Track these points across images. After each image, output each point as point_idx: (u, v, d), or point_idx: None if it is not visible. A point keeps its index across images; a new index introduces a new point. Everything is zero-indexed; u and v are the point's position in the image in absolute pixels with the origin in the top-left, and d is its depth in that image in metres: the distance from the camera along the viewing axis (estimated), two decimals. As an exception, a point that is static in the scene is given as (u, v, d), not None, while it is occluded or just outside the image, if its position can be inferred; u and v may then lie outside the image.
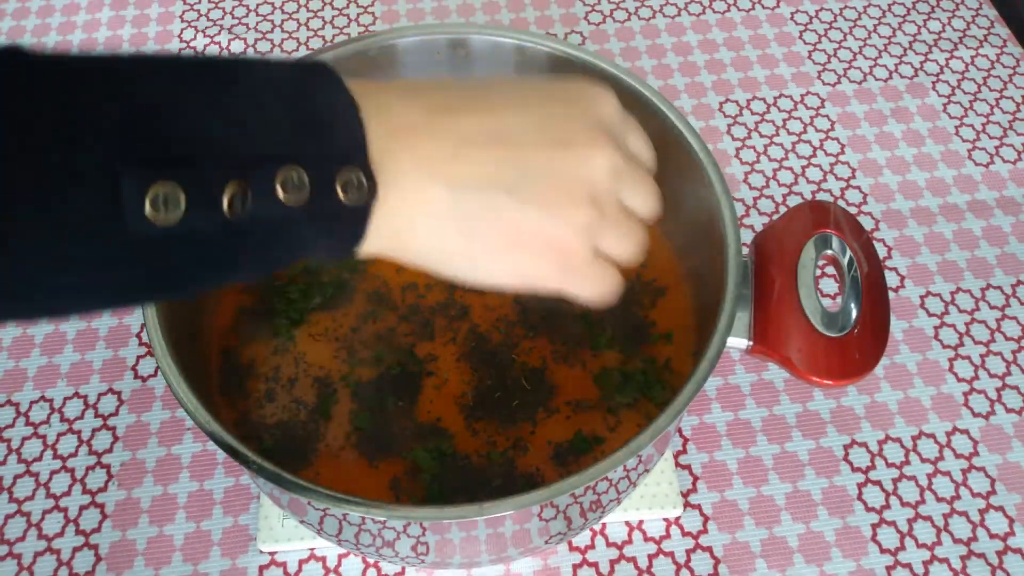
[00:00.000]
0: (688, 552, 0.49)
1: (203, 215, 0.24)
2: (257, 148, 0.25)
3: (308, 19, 0.75)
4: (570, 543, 0.49)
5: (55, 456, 0.53)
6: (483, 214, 0.29)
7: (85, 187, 0.22)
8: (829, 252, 0.42)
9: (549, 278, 0.31)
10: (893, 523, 0.50)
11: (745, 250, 0.42)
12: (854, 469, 0.52)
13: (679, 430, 0.53)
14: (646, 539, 0.50)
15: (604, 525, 0.50)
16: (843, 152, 0.66)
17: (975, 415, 0.54)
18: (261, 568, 0.49)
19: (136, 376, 0.56)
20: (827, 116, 0.68)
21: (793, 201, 0.63)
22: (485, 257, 0.30)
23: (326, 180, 0.26)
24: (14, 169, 0.21)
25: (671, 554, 0.49)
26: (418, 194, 0.28)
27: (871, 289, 0.41)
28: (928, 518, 0.50)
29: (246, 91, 0.26)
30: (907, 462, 0.52)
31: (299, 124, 0.26)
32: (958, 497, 0.51)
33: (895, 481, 0.51)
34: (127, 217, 0.23)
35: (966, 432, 0.53)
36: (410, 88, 0.30)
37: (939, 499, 0.51)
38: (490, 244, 0.29)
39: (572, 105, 0.31)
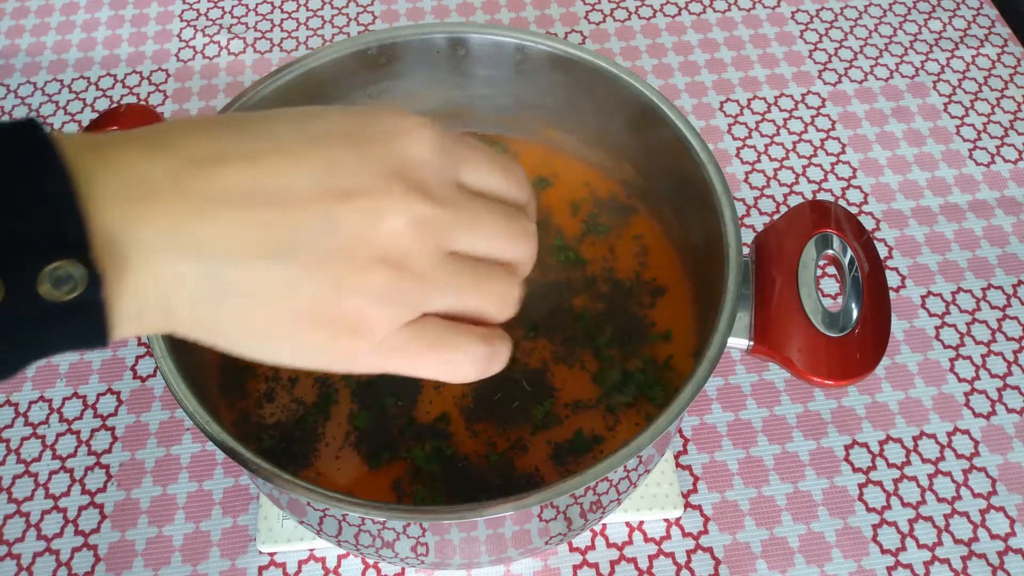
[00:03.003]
0: (689, 553, 0.49)
1: None
2: None
3: (307, 18, 0.75)
4: (570, 544, 0.49)
5: (54, 456, 0.53)
6: (249, 288, 0.24)
7: None
8: (830, 252, 0.42)
9: (358, 359, 0.26)
10: (894, 523, 0.50)
11: (746, 250, 0.42)
12: (855, 469, 0.52)
13: (680, 431, 0.53)
14: (646, 540, 0.50)
15: (604, 526, 0.50)
16: (844, 152, 0.66)
17: (976, 415, 0.54)
18: (260, 569, 0.49)
19: (135, 376, 0.56)
20: (828, 116, 0.68)
21: (794, 201, 0.63)
22: (265, 338, 0.25)
23: (24, 281, 0.21)
24: None
25: (671, 555, 0.49)
26: (167, 269, 0.24)
27: (872, 289, 0.41)
28: (929, 519, 0.50)
29: None
30: (908, 462, 0.52)
31: None
32: (959, 497, 0.51)
33: (896, 481, 0.51)
34: None
35: (967, 432, 0.53)
36: (159, 138, 0.25)
37: (940, 499, 0.51)
38: (266, 323, 0.25)
39: (366, 146, 0.26)
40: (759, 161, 0.65)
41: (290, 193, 0.24)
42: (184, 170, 0.24)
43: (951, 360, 0.56)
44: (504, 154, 0.31)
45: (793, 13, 0.74)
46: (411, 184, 0.26)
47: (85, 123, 0.68)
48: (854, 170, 0.65)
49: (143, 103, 0.70)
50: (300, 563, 0.49)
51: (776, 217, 0.53)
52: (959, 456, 0.52)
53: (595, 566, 0.49)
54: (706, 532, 0.50)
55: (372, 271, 0.25)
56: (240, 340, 0.25)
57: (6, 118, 0.69)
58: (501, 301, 0.28)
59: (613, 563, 0.49)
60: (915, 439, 0.53)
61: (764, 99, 0.69)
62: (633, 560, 0.49)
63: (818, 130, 0.67)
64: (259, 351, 0.26)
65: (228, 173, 0.24)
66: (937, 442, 0.53)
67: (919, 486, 0.51)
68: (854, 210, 0.63)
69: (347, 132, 0.26)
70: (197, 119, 0.26)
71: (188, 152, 0.24)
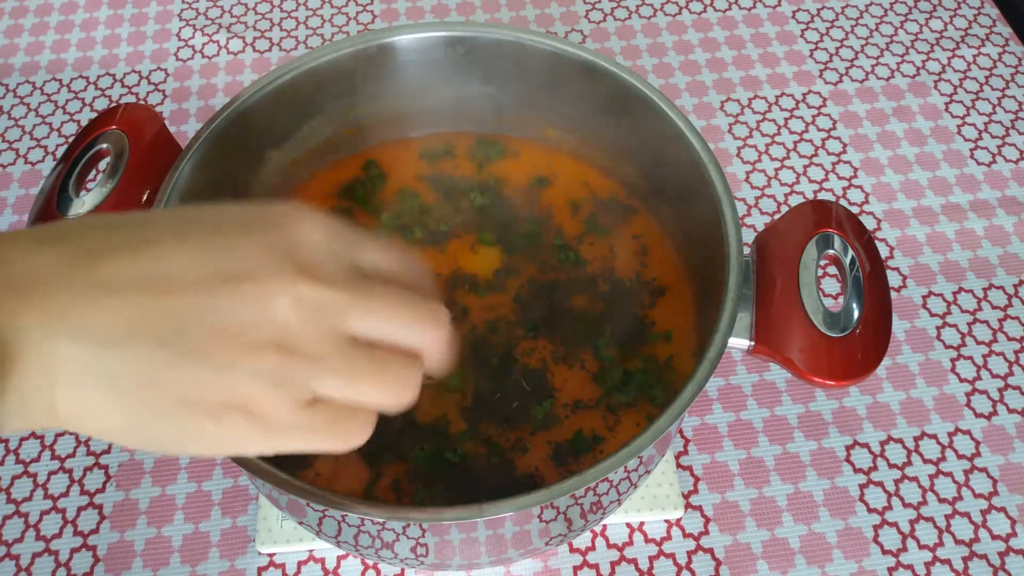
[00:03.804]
0: (689, 554, 0.49)
1: None
2: None
3: (307, 17, 0.75)
4: (570, 545, 0.49)
5: (53, 457, 0.53)
6: (133, 374, 0.24)
7: None
8: (831, 252, 0.42)
9: (248, 442, 0.26)
10: (895, 524, 0.50)
11: (746, 250, 0.42)
12: (856, 470, 0.52)
13: (680, 431, 0.53)
14: (647, 540, 0.49)
15: (605, 526, 0.50)
16: (845, 151, 0.65)
17: (977, 416, 0.54)
18: (260, 570, 0.49)
19: (134, 376, 0.56)
20: (829, 115, 0.67)
21: (795, 200, 0.63)
22: (153, 425, 0.25)
23: None
24: None
25: (672, 556, 0.49)
26: (49, 357, 0.23)
27: (873, 289, 0.41)
28: (930, 519, 0.50)
29: None
30: (909, 463, 0.52)
31: None
32: (960, 498, 0.51)
33: (897, 482, 0.51)
34: None
35: (968, 433, 0.53)
36: (49, 233, 0.25)
37: (941, 500, 0.51)
38: (153, 410, 0.25)
39: (256, 233, 0.26)
40: (760, 161, 0.65)
41: (175, 279, 0.25)
42: (76, 260, 0.24)
43: (952, 360, 0.56)
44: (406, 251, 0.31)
45: (794, 12, 0.74)
46: (301, 267, 0.26)
47: (84, 122, 0.67)
48: (855, 170, 0.64)
49: (142, 102, 0.69)
50: (299, 564, 0.49)
51: (777, 217, 0.53)
52: (960, 456, 0.52)
53: (595, 567, 0.49)
54: (707, 533, 0.50)
55: (259, 353, 0.25)
56: (127, 430, 0.25)
57: (5, 118, 0.69)
58: (397, 388, 0.27)
59: (613, 564, 0.49)
60: (916, 439, 0.53)
61: (765, 99, 0.69)
62: (633, 561, 0.49)
63: (819, 130, 0.67)
64: (147, 440, 0.26)
65: (117, 261, 0.24)
66: (938, 442, 0.53)
67: (920, 486, 0.51)
68: (855, 210, 0.63)
69: (240, 222, 0.26)
70: (103, 216, 0.27)
71: (83, 243, 0.25)
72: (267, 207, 0.27)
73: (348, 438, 0.27)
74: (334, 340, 0.26)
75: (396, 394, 0.27)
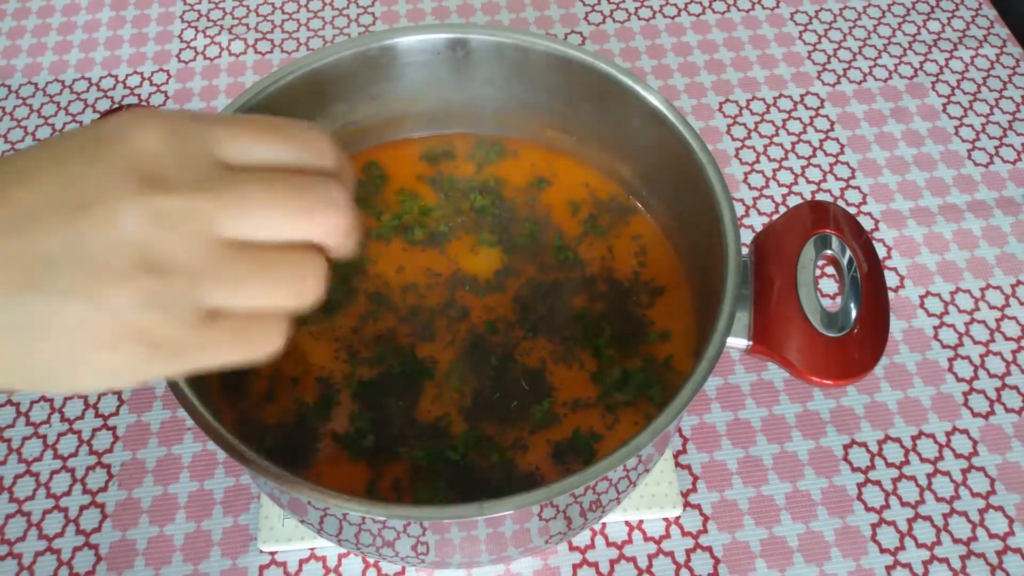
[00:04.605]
0: (688, 552, 0.49)
1: None
2: None
3: (308, 19, 0.75)
4: (570, 543, 0.50)
5: (55, 456, 0.53)
6: (18, 322, 0.23)
7: None
8: (829, 252, 0.42)
9: (153, 367, 0.25)
10: (893, 523, 0.50)
11: (745, 250, 0.42)
12: (854, 469, 0.52)
13: (679, 430, 0.53)
14: (646, 539, 0.50)
15: (604, 525, 0.50)
16: (843, 152, 0.66)
17: (975, 415, 0.54)
18: (261, 568, 0.49)
19: (136, 376, 0.56)
20: (827, 116, 0.68)
21: (793, 201, 0.63)
22: (52, 368, 0.24)
23: None
24: None
25: (671, 554, 0.49)
26: None
27: (871, 289, 0.41)
28: (928, 518, 0.50)
29: None
30: (907, 462, 0.52)
31: None
32: (958, 497, 0.51)
33: (895, 481, 0.51)
34: None
35: (966, 432, 0.53)
36: None
37: (939, 499, 0.51)
38: (48, 354, 0.24)
39: (95, 153, 0.24)
40: (758, 162, 0.65)
41: (31, 219, 0.23)
42: None
43: (950, 360, 0.56)
44: (297, 121, 0.28)
45: (792, 14, 0.74)
46: (145, 178, 0.24)
47: (86, 123, 0.68)
48: (853, 170, 0.65)
49: (144, 103, 0.70)
50: (301, 562, 0.49)
51: (775, 217, 0.53)
52: (958, 456, 0.52)
53: (595, 565, 0.49)
54: (705, 531, 0.50)
55: (128, 280, 0.23)
56: (28, 374, 0.24)
57: (8, 119, 0.69)
58: (294, 286, 0.26)
59: (613, 562, 0.49)
60: (914, 439, 0.53)
61: (763, 100, 0.69)
62: (633, 559, 0.49)
63: (817, 131, 0.67)
64: (56, 383, 0.25)
65: None
66: (936, 442, 0.53)
67: (918, 485, 0.51)
68: (853, 210, 0.63)
69: (79, 147, 0.25)
70: None
71: None
72: (103, 122, 0.25)
73: (259, 346, 0.26)
74: (208, 249, 0.24)
75: (295, 293, 0.26)
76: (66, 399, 0.55)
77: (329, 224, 0.26)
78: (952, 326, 0.57)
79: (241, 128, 0.26)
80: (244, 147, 0.26)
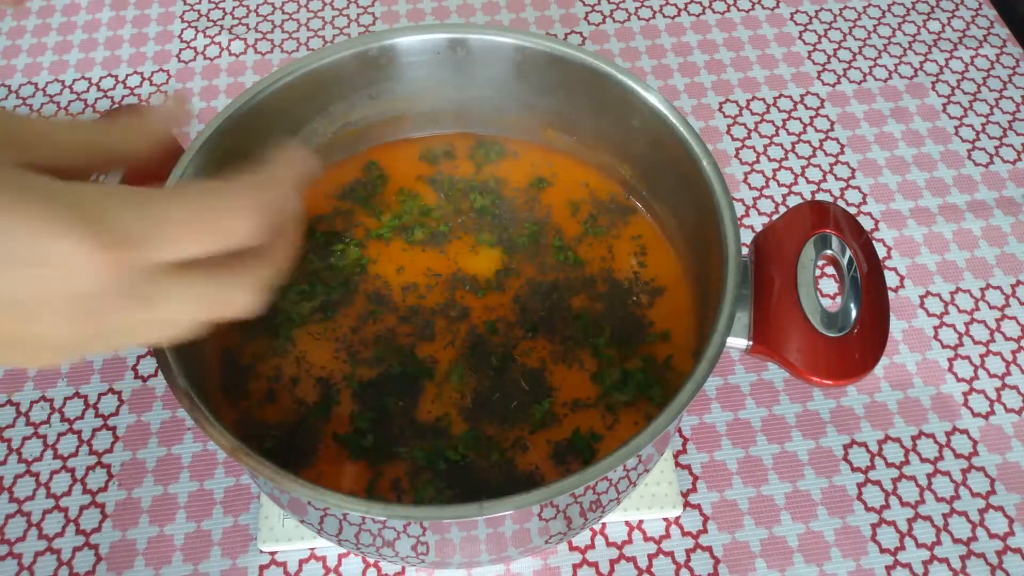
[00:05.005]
0: (688, 552, 0.49)
1: None
2: None
3: (308, 19, 0.75)
4: (570, 543, 0.50)
5: (55, 456, 0.53)
6: None
7: None
8: (829, 252, 0.42)
9: (136, 336, 0.28)
10: (893, 523, 0.50)
11: (744, 250, 0.42)
12: (854, 469, 0.52)
13: (679, 430, 0.53)
14: (646, 539, 0.50)
15: (604, 525, 0.50)
16: (843, 152, 0.66)
17: (975, 415, 0.54)
18: (261, 568, 0.49)
19: (136, 376, 0.56)
20: (827, 116, 0.68)
21: (793, 201, 0.63)
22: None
23: None
24: None
25: (671, 554, 0.49)
26: None
27: (871, 289, 0.41)
28: (928, 518, 0.50)
29: None
30: (907, 462, 0.52)
31: None
32: (958, 497, 0.51)
33: (895, 481, 0.51)
34: None
35: (966, 432, 0.53)
36: None
37: (939, 499, 0.51)
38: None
39: (37, 274, 0.25)
40: (758, 162, 0.65)
41: None
42: None
43: (950, 360, 0.56)
44: (240, 187, 0.30)
45: (792, 14, 0.74)
46: (82, 308, 0.26)
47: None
48: (853, 170, 0.65)
49: (144, 104, 0.70)
50: (301, 562, 0.49)
51: (775, 217, 0.53)
52: (958, 456, 0.52)
53: (595, 565, 0.49)
54: (705, 531, 0.50)
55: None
56: None
57: (7, 119, 0.69)
58: (226, 302, 0.29)
59: (613, 562, 0.49)
60: (914, 439, 0.53)
61: (763, 100, 0.69)
62: (633, 559, 0.49)
63: (817, 131, 0.67)
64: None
65: None
66: (936, 442, 0.53)
67: (918, 485, 0.51)
68: (853, 210, 0.63)
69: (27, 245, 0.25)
70: None
71: None
72: (60, 240, 0.25)
73: (240, 290, 0.29)
74: (135, 283, 0.26)
75: (230, 305, 0.29)
76: (66, 399, 0.55)
77: (236, 308, 0.29)
78: (952, 326, 0.57)
79: (177, 229, 0.27)
80: (181, 248, 0.27)
